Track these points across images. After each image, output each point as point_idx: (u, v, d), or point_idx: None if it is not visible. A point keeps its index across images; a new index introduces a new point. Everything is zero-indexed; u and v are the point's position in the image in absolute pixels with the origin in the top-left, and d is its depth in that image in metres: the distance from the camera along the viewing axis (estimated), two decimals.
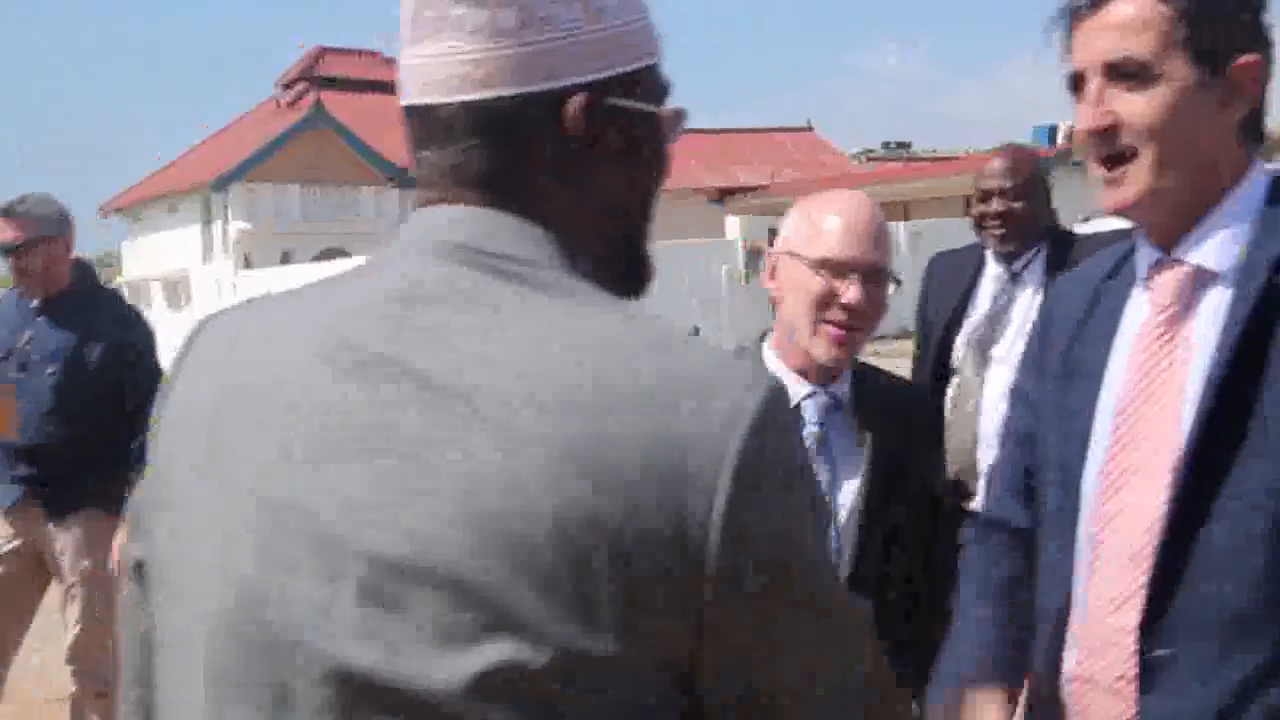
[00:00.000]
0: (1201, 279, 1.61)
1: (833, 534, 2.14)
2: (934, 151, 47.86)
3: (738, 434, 1.00)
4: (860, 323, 2.18)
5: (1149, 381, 1.63)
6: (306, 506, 1.05)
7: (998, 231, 3.51)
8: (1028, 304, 3.41)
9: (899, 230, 23.00)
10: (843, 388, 2.25)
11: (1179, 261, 1.62)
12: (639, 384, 1.02)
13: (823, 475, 2.19)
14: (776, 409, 1.04)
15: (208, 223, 37.47)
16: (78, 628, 4.44)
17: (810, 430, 2.20)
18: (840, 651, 1.11)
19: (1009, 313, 3.47)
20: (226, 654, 1.07)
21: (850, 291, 2.15)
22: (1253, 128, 1.63)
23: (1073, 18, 1.64)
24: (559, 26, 1.12)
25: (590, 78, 1.13)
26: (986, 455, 3.31)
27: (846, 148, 43.57)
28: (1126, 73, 1.58)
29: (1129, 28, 1.57)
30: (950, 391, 3.53)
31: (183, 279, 36.49)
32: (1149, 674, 1.57)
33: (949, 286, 3.66)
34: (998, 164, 3.56)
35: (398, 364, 1.06)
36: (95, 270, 5.04)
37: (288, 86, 41.04)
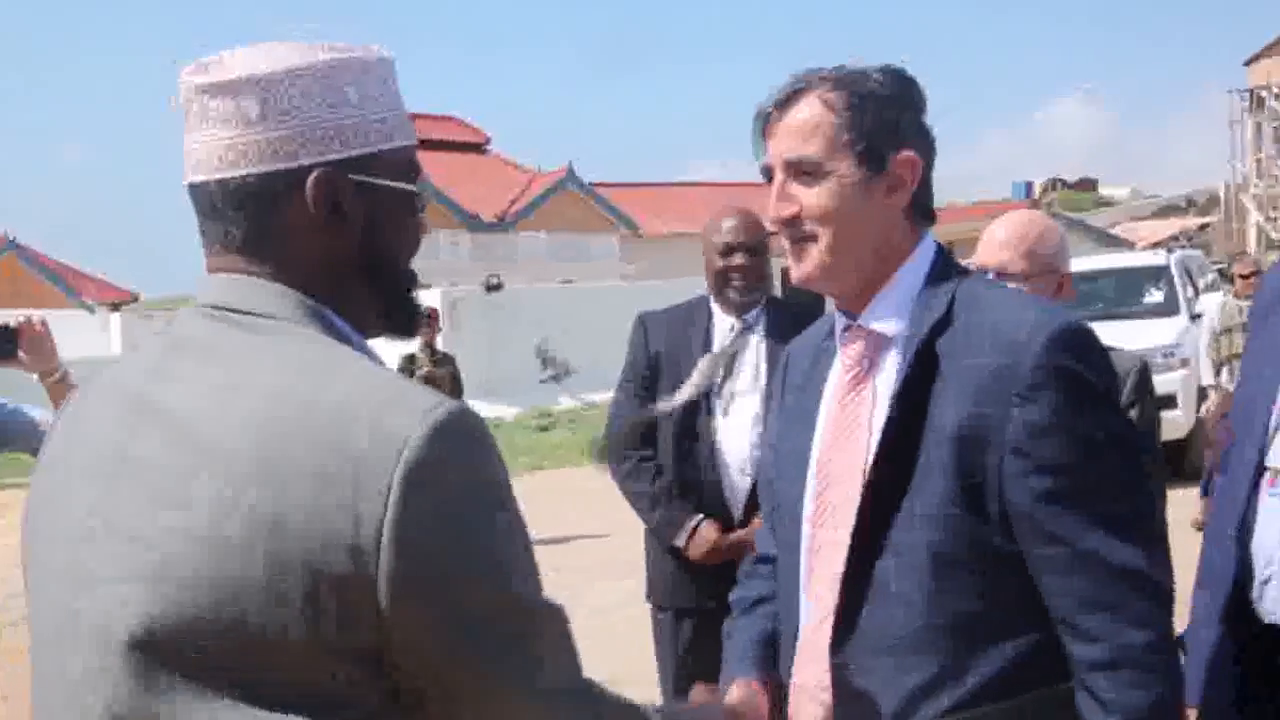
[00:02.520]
0: (880, 342, 1.65)
1: None
2: None
3: (408, 451, 1.04)
4: None
5: (841, 431, 1.67)
6: (81, 521, 1.13)
7: (740, 283, 3.34)
8: (757, 349, 3.33)
9: None
10: None
11: (862, 328, 1.67)
12: (327, 406, 1.06)
13: None
14: (455, 429, 1.07)
15: None
16: None
17: None
18: (526, 649, 1.11)
19: (743, 355, 3.34)
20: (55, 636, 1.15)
21: None
22: (921, 208, 1.67)
23: (764, 121, 1.68)
24: (298, 115, 1.16)
25: (329, 157, 1.17)
26: (740, 479, 3.29)
27: None
28: (803, 170, 1.63)
29: (804, 132, 1.62)
30: (664, 403, 3.37)
31: None
32: (841, 684, 1.60)
33: (681, 332, 3.45)
34: (735, 222, 3.37)
35: (150, 403, 1.13)
36: None
37: None
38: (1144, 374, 2.84)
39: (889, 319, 1.65)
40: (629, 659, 4.10)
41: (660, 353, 3.46)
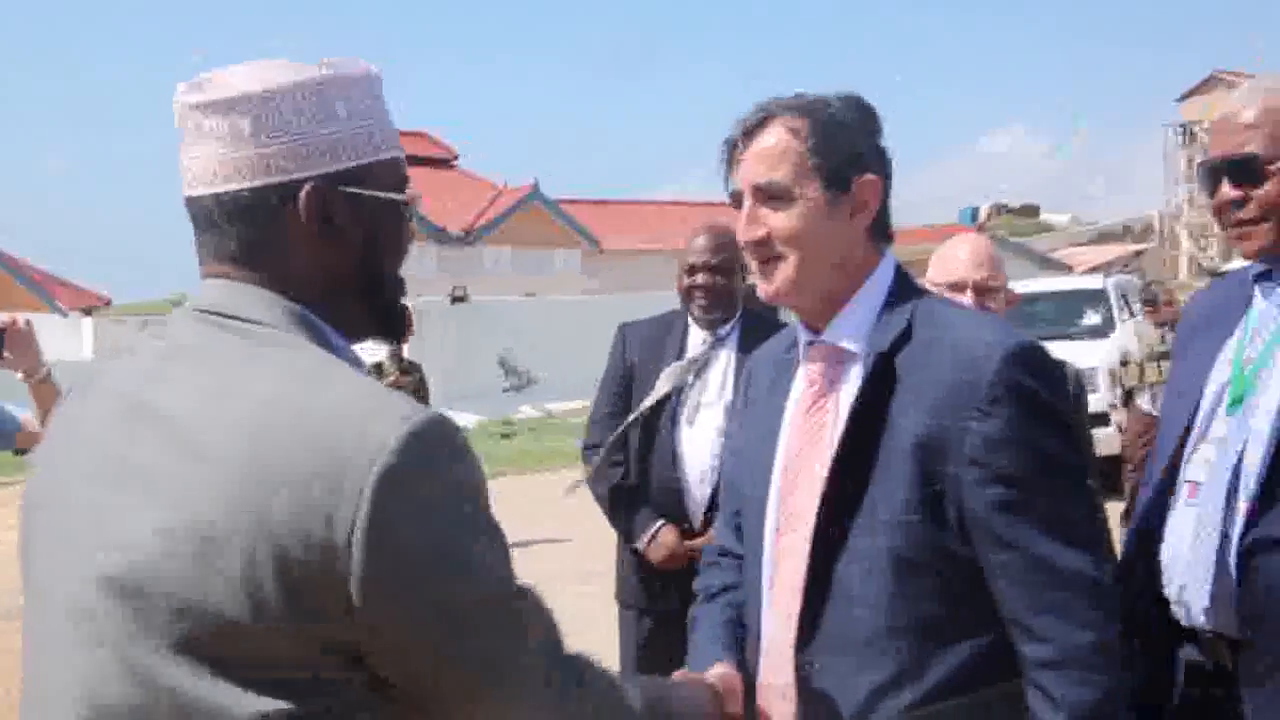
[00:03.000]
0: (842, 356, 1.68)
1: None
2: None
3: (383, 457, 1.05)
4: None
5: (805, 442, 1.70)
6: (80, 522, 1.14)
7: (702, 302, 3.37)
8: (725, 363, 3.36)
9: None
10: None
11: (825, 342, 1.70)
12: (318, 412, 1.07)
13: None
14: (430, 436, 1.08)
15: None
16: None
17: None
18: (501, 645, 1.13)
19: (710, 368, 3.36)
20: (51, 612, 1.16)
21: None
22: (880, 228, 1.71)
23: (733, 148, 1.71)
24: (290, 131, 1.18)
25: (320, 171, 1.19)
26: (700, 488, 3.33)
27: None
28: (772, 194, 1.66)
29: (771, 159, 1.65)
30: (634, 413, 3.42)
31: None
32: (804, 683, 1.63)
33: (657, 343, 3.48)
34: (703, 241, 3.39)
35: (147, 406, 1.14)
36: None
37: None
38: (1078, 384, 2.87)
39: (850, 335, 1.68)
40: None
41: (635, 362, 3.50)
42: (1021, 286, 14.21)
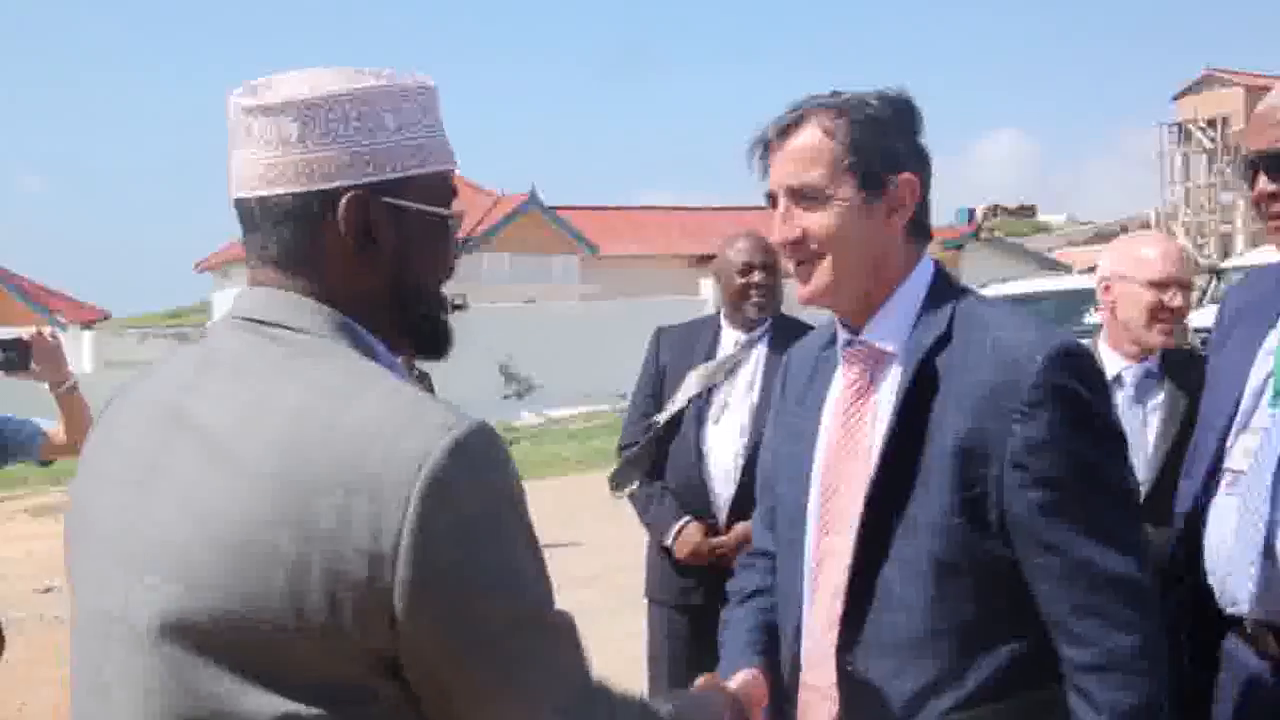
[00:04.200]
0: (882, 357, 1.66)
1: (1136, 464, 2.28)
2: None
3: (427, 466, 1.04)
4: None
5: (844, 443, 1.67)
6: (112, 526, 1.16)
7: (760, 300, 3.44)
8: (756, 362, 3.43)
9: None
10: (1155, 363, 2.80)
11: (864, 342, 1.67)
12: (347, 427, 1.07)
13: (1136, 419, 2.72)
14: (473, 446, 1.08)
15: None
16: None
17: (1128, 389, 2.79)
18: (535, 665, 1.11)
19: (743, 367, 3.44)
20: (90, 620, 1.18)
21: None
22: (919, 228, 1.67)
23: (766, 148, 1.68)
24: (335, 139, 1.17)
25: (364, 180, 1.18)
26: (724, 486, 3.38)
27: None
28: (806, 195, 1.63)
29: (806, 159, 1.62)
30: (663, 414, 3.51)
31: None
32: (847, 685, 1.62)
33: (688, 345, 3.57)
34: (755, 243, 3.47)
35: (183, 415, 1.15)
36: None
37: None
38: None
39: (889, 336, 1.65)
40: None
41: (667, 364, 3.59)
42: (1023, 287, 14.25)
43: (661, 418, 3.45)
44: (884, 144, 1.62)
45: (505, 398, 21.47)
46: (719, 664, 1.79)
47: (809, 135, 1.62)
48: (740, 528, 3.27)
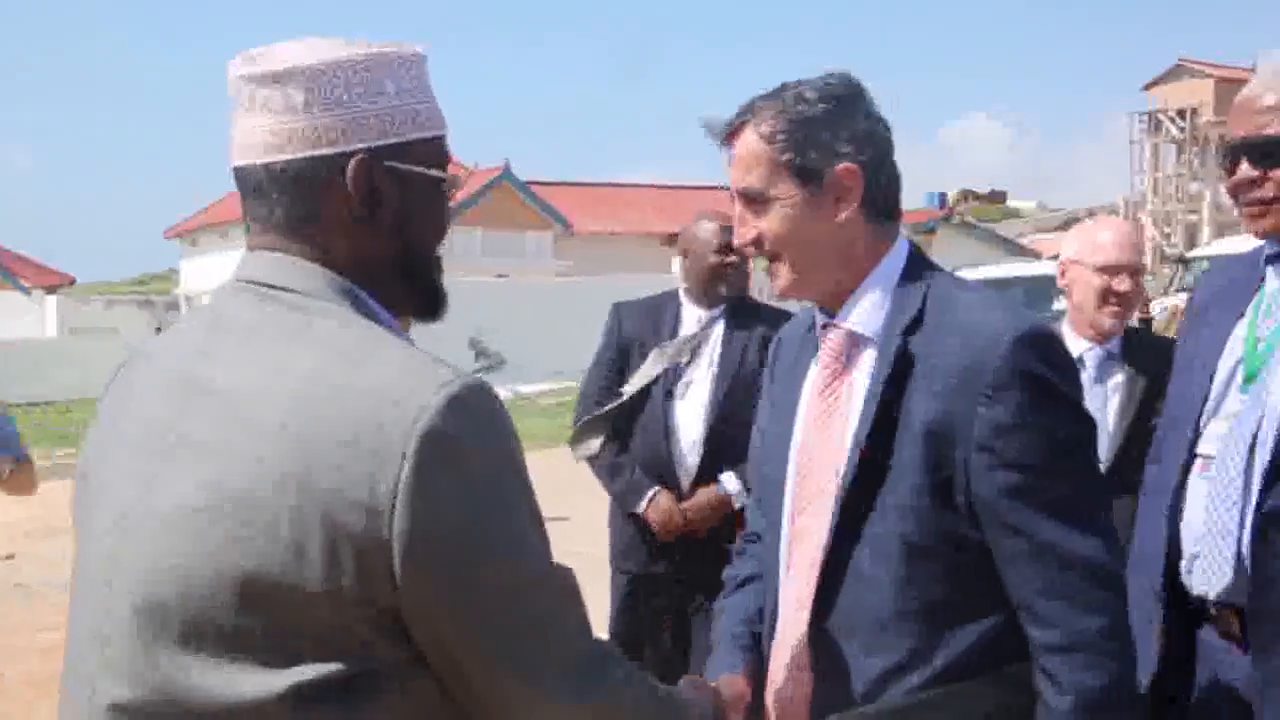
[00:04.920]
0: (856, 340, 1.67)
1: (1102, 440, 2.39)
2: None
3: (424, 419, 1.07)
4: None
5: (819, 424, 1.69)
6: (127, 490, 1.17)
7: (732, 278, 3.58)
8: (715, 339, 3.58)
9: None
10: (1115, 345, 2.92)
11: (838, 326, 1.68)
12: (358, 389, 1.09)
13: (1097, 399, 2.81)
14: (470, 401, 1.10)
15: None
16: None
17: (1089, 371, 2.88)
18: (533, 628, 1.13)
19: (705, 345, 3.58)
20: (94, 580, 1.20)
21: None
22: (880, 211, 1.66)
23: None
24: (342, 105, 1.20)
25: (368, 144, 1.21)
26: (690, 457, 3.54)
27: None
28: (750, 199, 1.66)
29: (746, 164, 1.66)
30: (629, 387, 3.63)
31: None
32: (818, 663, 1.65)
33: (651, 321, 3.70)
34: (722, 225, 3.57)
35: (197, 382, 1.17)
36: None
37: None
38: None
39: (863, 319, 1.66)
40: None
41: (630, 339, 3.70)
42: (994, 272, 14.34)
43: (629, 390, 3.55)
44: (818, 138, 1.62)
45: (475, 373, 21.38)
46: (709, 658, 1.82)
47: (745, 141, 1.66)
48: (702, 493, 3.50)
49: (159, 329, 33.43)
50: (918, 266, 1.68)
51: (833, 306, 1.70)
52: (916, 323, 1.61)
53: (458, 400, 1.09)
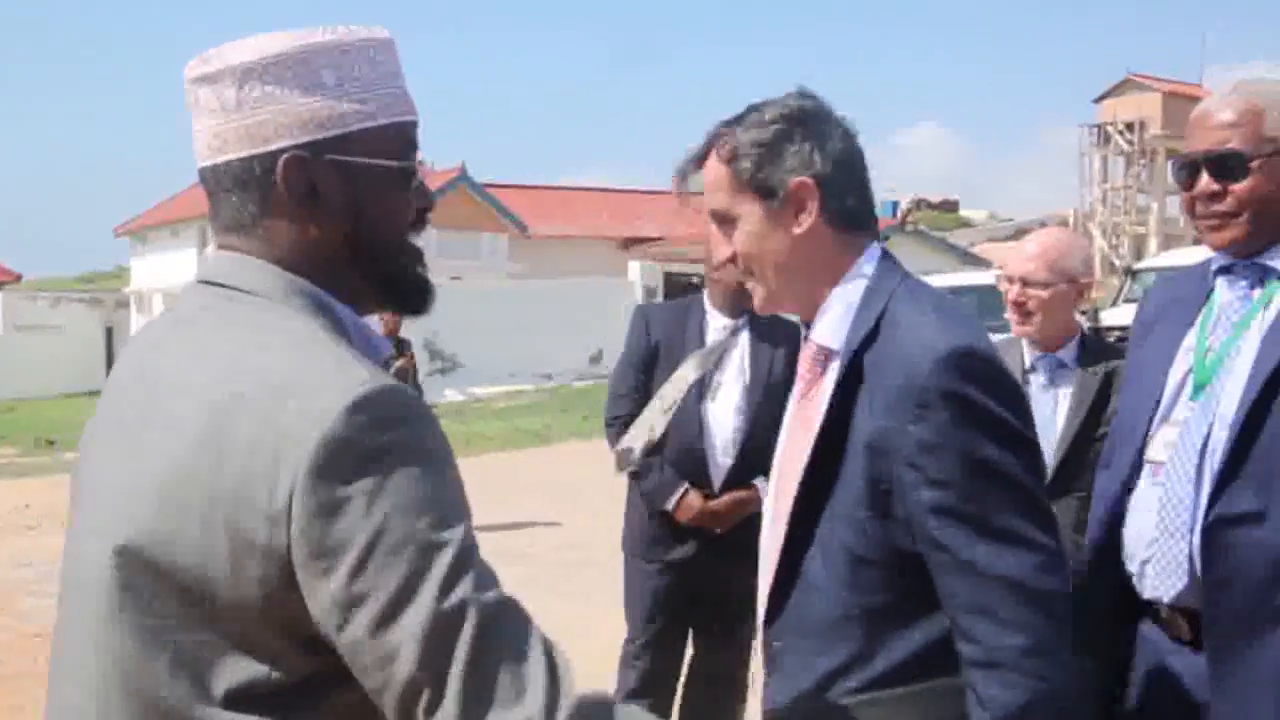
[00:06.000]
0: (826, 354, 1.72)
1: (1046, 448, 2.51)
2: None
3: (325, 424, 1.03)
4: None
5: (793, 433, 1.76)
6: (98, 479, 1.18)
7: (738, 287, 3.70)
8: (743, 345, 3.72)
9: None
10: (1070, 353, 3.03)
11: (810, 340, 1.75)
12: (269, 384, 1.07)
13: (1048, 406, 2.95)
14: (376, 404, 1.06)
15: (203, 246, 36.69)
16: None
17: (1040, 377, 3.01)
18: (439, 619, 1.02)
19: (732, 351, 3.71)
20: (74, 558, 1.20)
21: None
22: (846, 221, 1.70)
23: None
24: (270, 101, 1.18)
25: (300, 140, 1.18)
26: (724, 458, 3.68)
27: None
28: (720, 219, 1.74)
29: (712, 187, 1.73)
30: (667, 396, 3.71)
31: (180, 292, 35.73)
32: (772, 662, 1.72)
33: (679, 326, 3.80)
34: None
35: (145, 371, 1.19)
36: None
37: None
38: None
39: (831, 333, 1.70)
40: None
41: (659, 342, 3.81)
42: (946, 280, 14.47)
43: (670, 395, 3.51)
44: (773, 155, 1.68)
45: (429, 374, 21.27)
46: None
47: (710, 165, 1.73)
48: (732, 495, 3.64)
49: (109, 328, 32.98)
50: (886, 277, 1.70)
51: (809, 318, 1.75)
52: (871, 338, 1.64)
53: (360, 404, 1.04)
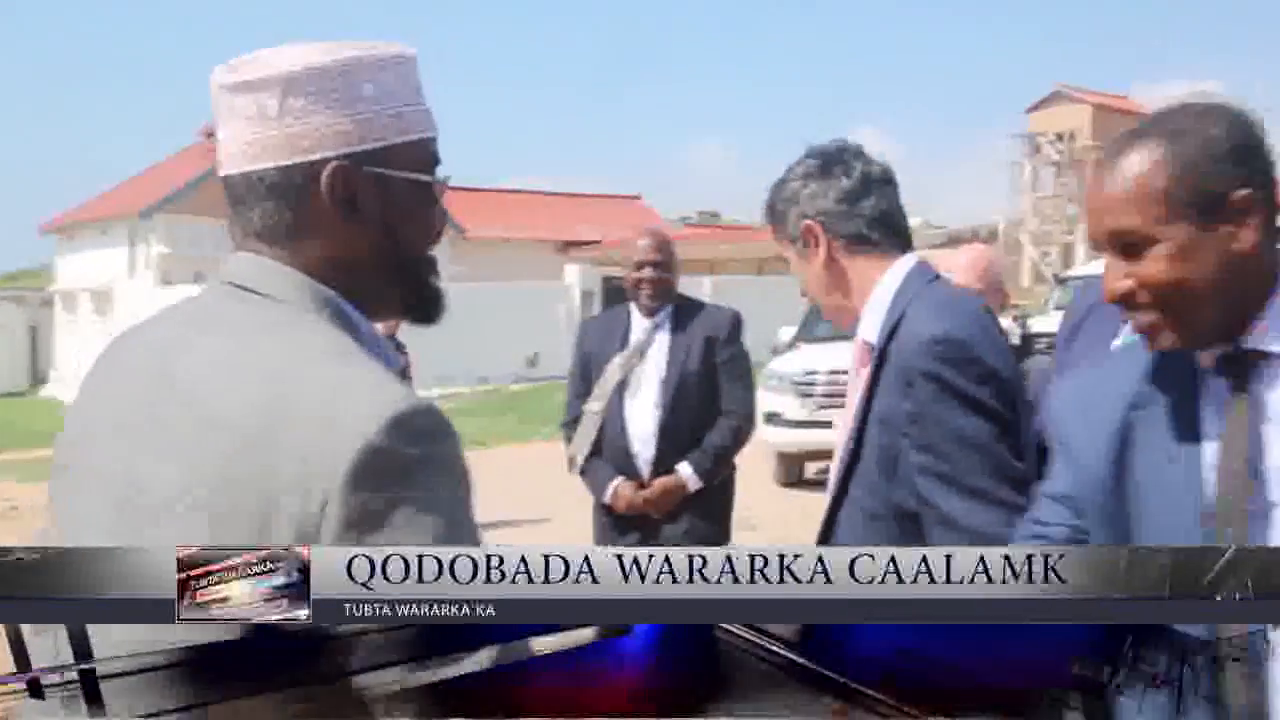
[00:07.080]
0: (868, 348, 2.01)
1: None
2: (737, 222, 48.77)
3: (365, 437, 1.05)
4: None
5: (845, 416, 2.04)
6: (108, 474, 1.18)
7: (649, 293, 4.06)
8: (663, 344, 4.07)
9: (704, 283, 23.30)
10: None
11: (857, 336, 2.05)
12: (314, 392, 1.09)
13: None
14: (411, 422, 1.08)
15: (133, 245, 36.01)
16: None
17: None
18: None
19: (649, 349, 4.07)
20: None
21: None
22: (880, 228, 2.04)
23: None
24: (314, 111, 1.19)
25: (343, 151, 1.20)
26: (645, 449, 4.04)
27: (666, 214, 44.16)
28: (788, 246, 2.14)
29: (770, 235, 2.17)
30: (595, 402, 4.15)
31: (108, 291, 35.01)
32: None
33: (607, 334, 4.20)
34: (648, 242, 4.09)
35: (170, 371, 1.18)
36: None
37: (209, 135, 39.67)
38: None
39: (870, 329, 2.01)
40: None
41: (590, 353, 4.22)
42: None
43: (595, 407, 4.10)
44: (787, 197, 2.11)
45: None
46: None
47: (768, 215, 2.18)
48: (659, 481, 4.00)
49: (33, 327, 32.18)
50: (916, 278, 2.01)
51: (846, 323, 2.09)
52: (893, 332, 1.95)
53: (403, 419, 1.07)
